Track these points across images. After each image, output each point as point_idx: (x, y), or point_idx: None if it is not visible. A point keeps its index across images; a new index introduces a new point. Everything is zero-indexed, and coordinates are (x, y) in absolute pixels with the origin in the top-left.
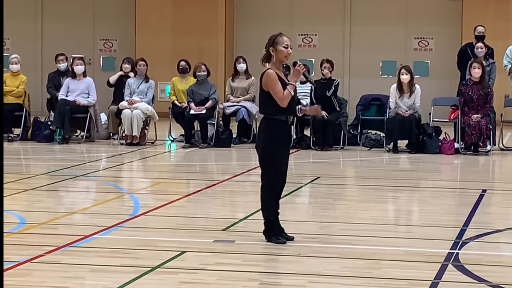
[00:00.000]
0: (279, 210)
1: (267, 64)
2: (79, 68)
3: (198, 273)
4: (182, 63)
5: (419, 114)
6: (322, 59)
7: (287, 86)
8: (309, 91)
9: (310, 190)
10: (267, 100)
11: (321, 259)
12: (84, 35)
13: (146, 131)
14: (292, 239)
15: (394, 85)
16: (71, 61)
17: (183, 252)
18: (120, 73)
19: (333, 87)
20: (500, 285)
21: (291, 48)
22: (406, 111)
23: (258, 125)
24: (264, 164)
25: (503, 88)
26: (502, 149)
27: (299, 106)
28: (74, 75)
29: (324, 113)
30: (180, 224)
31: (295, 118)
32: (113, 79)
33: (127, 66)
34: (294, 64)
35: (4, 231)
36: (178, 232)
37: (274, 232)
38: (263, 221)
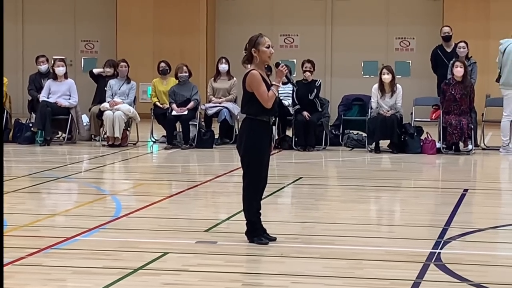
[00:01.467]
0: (261, 211)
1: (248, 65)
2: (60, 70)
3: (181, 274)
4: (162, 64)
5: (401, 114)
6: (303, 59)
7: (271, 87)
8: (291, 92)
9: (292, 191)
10: (250, 101)
11: (303, 260)
12: (65, 36)
13: (128, 133)
14: (274, 239)
15: (376, 85)
16: (52, 62)
17: (166, 253)
18: (102, 70)
19: (315, 90)
20: (482, 284)
21: (272, 48)
22: (388, 111)
23: (240, 126)
24: (247, 165)
25: (484, 87)
26: (483, 149)
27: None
28: (55, 77)
29: (306, 113)
30: (162, 225)
31: (277, 118)
32: (96, 70)
33: (109, 70)
34: (277, 65)
35: None
36: (160, 234)
37: (257, 232)
38: (245, 222)
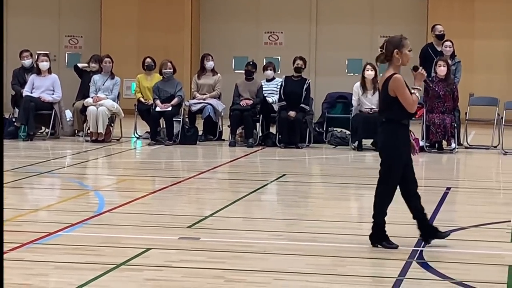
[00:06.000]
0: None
1: (376, 64)
2: (44, 65)
3: (163, 270)
4: (148, 60)
5: None
6: (295, 56)
7: (414, 91)
8: (275, 89)
9: (276, 188)
10: (393, 105)
11: (286, 257)
12: (49, 31)
13: (111, 128)
14: (447, 235)
15: (358, 83)
16: (36, 57)
17: (148, 249)
18: (87, 65)
19: (304, 92)
20: (464, 282)
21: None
22: (371, 109)
23: (380, 130)
24: (388, 170)
25: (468, 86)
26: (466, 147)
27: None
28: (39, 72)
29: (293, 113)
30: (145, 221)
31: (261, 115)
32: (81, 64)
33: (94, 65)
34: (416, 68)
35: None
36: (143, 229)
37: (384, 236)
38: (372, 224)
